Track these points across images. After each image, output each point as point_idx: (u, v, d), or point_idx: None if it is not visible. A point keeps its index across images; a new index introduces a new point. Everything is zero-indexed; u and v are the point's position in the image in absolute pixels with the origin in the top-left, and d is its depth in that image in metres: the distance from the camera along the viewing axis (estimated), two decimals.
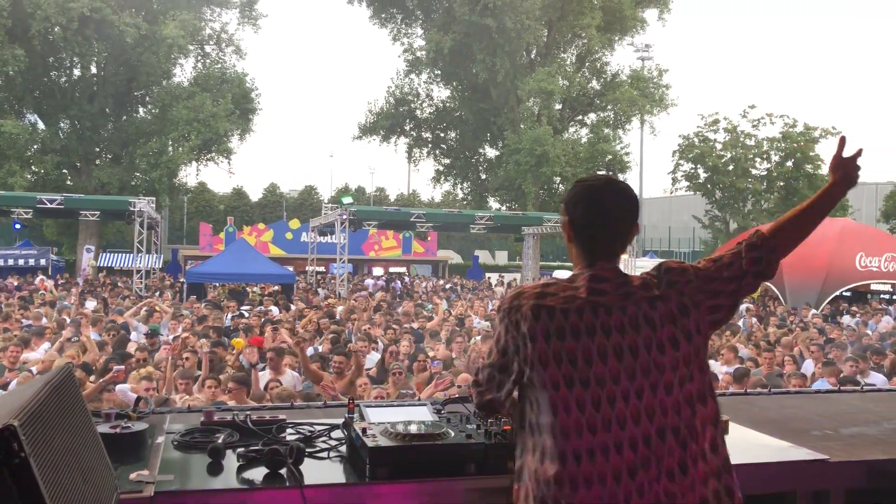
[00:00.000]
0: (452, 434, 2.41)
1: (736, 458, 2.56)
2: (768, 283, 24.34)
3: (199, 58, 37.54)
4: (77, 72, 34.71)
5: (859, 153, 2.23)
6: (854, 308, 21.03)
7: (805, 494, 2.56)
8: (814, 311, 19.36)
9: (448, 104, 43.57)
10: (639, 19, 40.90)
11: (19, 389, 1.77)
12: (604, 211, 2.09)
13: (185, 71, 37.61)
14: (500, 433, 2.40)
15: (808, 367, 9.78)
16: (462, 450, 2.35)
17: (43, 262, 29.84)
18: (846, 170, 2.21)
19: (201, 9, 36.40)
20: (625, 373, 1.95)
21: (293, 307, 17.16)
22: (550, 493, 1.93)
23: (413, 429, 2.40)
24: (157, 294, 20.63)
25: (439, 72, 42.01)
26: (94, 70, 34.83)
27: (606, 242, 2.10)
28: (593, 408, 1.93)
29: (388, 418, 2.54)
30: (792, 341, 11.55)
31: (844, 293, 23.86)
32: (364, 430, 2.39)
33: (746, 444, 2.77)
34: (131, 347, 9.32)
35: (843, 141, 2.23)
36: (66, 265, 34.52)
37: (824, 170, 36.65)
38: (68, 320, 12.42)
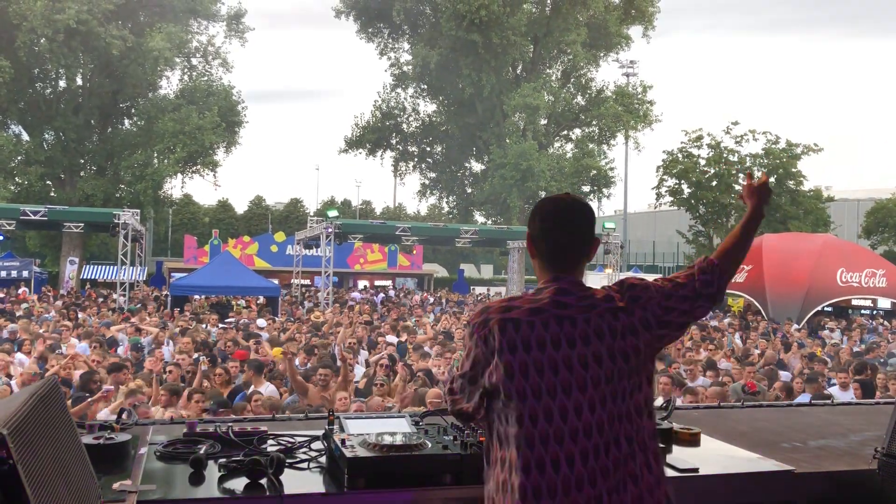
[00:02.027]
0: (429, 445, 2.48)
1: (706, 469, 2.65)
2: (750, 298, 24.59)
3: (186, 70, 37.59)
4: (63, 83, 34.66)
5: (766, 179, 2.53)
6: (831, 323, 21.25)
7: None
8: (796, 325, 19.54)
9: (434, 118, 43.79)
10: (624, 36, 41.30)
11: (5, 401, 1.83)
12: (563, 226, 2.18)
13: (171, 83, 37.71)
14: (476, 444, 2.47)
15: (788, 377, 9.89)
16: (438, 460, 2.41)
17: (26, 273, 29.63)
18: (760, 194, 2.48)
19: (188, 21, 36.46)
20: (590, 381, 2.02)
21: (277, 320, 17.14)
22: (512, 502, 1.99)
23: (390, 440, 2.46)
24: (140, 306, 20.53)
25: (426, 86, 42.26)
26: (79, 82, 34.79)
27: (567, 256, 2.18)
28: (560, 418, 1.99)
29: (367, 430, 2.60)
30: (775, 356, 11.68)
31: (826, 308, 24.09)
32: (343, 442, 2.45)
33: (717, 456, 2.85)
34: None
35: (749, 174, 2.54)
36: (49, 277, 34.28)
37: (807, 185, 37.12)
38: (47, 333, 12.39)
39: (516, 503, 1.98)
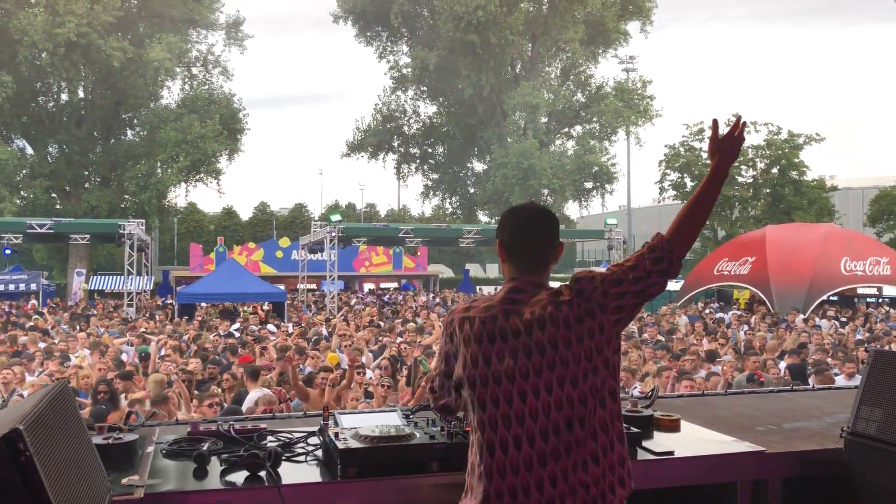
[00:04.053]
0: (417, 436, 2.65)
1: (682, 451, 2.81)
2: (755, 290, 24.66)
3: (186, 80, 37.88)
4: (65, 96, 34.97)
5: (738, 125, 2.29)
6: (831, 311, 21.32)
7: (745, 484, 2.79)
8: (801, 315, 19.61)
9: (435, 120, 44.00)
10: (622, 32, 41.46)
11: (19, 403, 1.99)
12: (525, 230, 2.35)
13: (172, 93, 38.03)
14: (462, 433, 2.63)
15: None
16: (425, 450, 2.58)
17: (34, 286, 29.88)
18: (726, 148, 2.30)
19: (187, 31, 36.73)
20: (532, 369, 2.17)
21: (283, 325, 17.33)
22: (476, 483, 2.20)
23: (380, 432, 2.62)
24: (148, 316, 20.74)
25: (425, 88, 42.48)
26: (81, 94, 35.09)
27: (529, 258, 2.34)
28: (506, 403, 2.17)
29: (359, 424, 2.77)
30: (777, 346, 11.78)
31: (832, 297, 24.14)
32: (336, 435, 2.62)
33: (693, 440, 3.00)
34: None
35: (715, 123, 2.33)
36: (56, 289, 34.57)
37: (809, 175, 37.17)
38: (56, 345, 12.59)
39: (475, 483, 2.20)
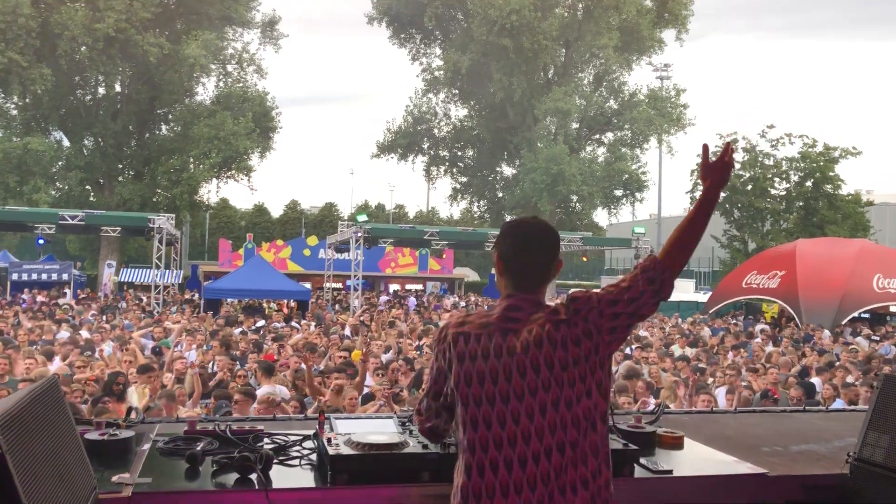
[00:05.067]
0: (410, 444, 2.61)
1: (681, 470, 2.75)
2: (784, 304, 24.28)
3: (221, 77, 38.21)
4: (102, 90, 35.48)
5: (727, 150, 2.31)
6: (865, 329, 20.90)
7: None
8: (826, 332, 19.26)
9: (465, 123, 43.95)
10: (656, 39, 41.08)
11: (5, 399, 2.00)
12: (524, 245, 2.30)
13: (206, 89, 38.35)
14: (455, 444, 2.59)
15: (817, 384, 9.81)
16: (417, 459, 2.55)
17: (65, 276, 30.35)
18: (715, 174, 2.31)
19: (223, 29, 37.07)
20: (527, 389, 2.13)
21: (304, 323, 17.42)
22: None
23: (373, 439, 2.60)
24: (176, 309, 20.98)
25: (457, 91, 42.45)
26: (118, 88, 35.61)
27: (527, 274, 2.30)
28: (499, 425, 2.13)
29: (354, 430, 2.75)
30: (790, 361, 11.59)
31: (863, 315, 23.69)
32: (329, 440, 2.60)
33: (695, 459, 2.94)
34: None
35: (705, 148, 2.33)
36: (87, 280, 35.11)
37: (845, 189, 36.55)
38: (86, 335, 12.77)
39: (459, 502, 2.14)
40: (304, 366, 7.76)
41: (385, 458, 2.53)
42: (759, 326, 21.58)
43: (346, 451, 2.51)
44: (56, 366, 9.32)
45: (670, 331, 18.37)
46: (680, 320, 22.27)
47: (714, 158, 2.33)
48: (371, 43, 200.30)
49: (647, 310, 2.23)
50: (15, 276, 29.72)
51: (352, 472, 2.48)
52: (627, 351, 12.21)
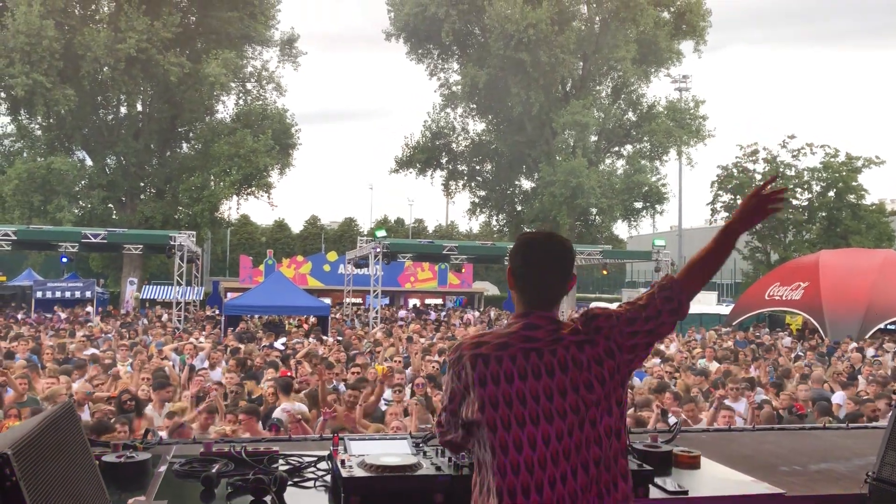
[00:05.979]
0: (424, 466, 2.61)
1: (697, 491, 2.72)
2: (807, 316, 24.00)
3: (241, 95, 38.62)
4: (124, 110, 35.97)
5: (766, 184, 2.34)
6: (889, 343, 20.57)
7: None
8: (854, 344, 18.99)
9: (483, 137, 44.02)
10: (675, 51, 40.97)
11: (21, 424, 2.03)
12: (539, 261, 2.27)
13: (227, 108, 38.75)
14: (469, 466, 2.59)
15: (839, 398, 9.69)
16: (430, 481, 2.54)
17: (88, 293, 30.71)
18: (754, 207, 2.33)
19: (243, 48, 37.49)
20: (556, 412, 2.11)
21: (325, 339, 17.44)
22: None
23: (387, 461, 2.60)
24: (200, 327, 21.13)
25: (475, 105, 42.54)
26: (139, 108, 36.08)
27: (542, 291, 2.27)
28: (529, 447, 2.10)
29: (369, 451, 2.75)
30: (821, 376, 11.43)
31: (889, 326, 23.35)
32: (343, 462, 2.60)
33: (711, 479, 2.91)
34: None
35: (771, 179, 2.37)
36: (110, 297, 35.47)
37: (868, 199, 36.19)
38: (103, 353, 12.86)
39: None
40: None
41: (398, 479, 2.53)
42: (785, 339, 21.33)
43: (359, 472, 2.51)
44: (78, 384, 9.39)
45: (697, 343, 18.21)
46: (706, 332, 22.08)
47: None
48: (389, 59, 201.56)
49: (665, 329, 2.24)
50: (39, 294, 30.12)
51: (364, 495, 2.48)
52: (647, 364, 12.11)
